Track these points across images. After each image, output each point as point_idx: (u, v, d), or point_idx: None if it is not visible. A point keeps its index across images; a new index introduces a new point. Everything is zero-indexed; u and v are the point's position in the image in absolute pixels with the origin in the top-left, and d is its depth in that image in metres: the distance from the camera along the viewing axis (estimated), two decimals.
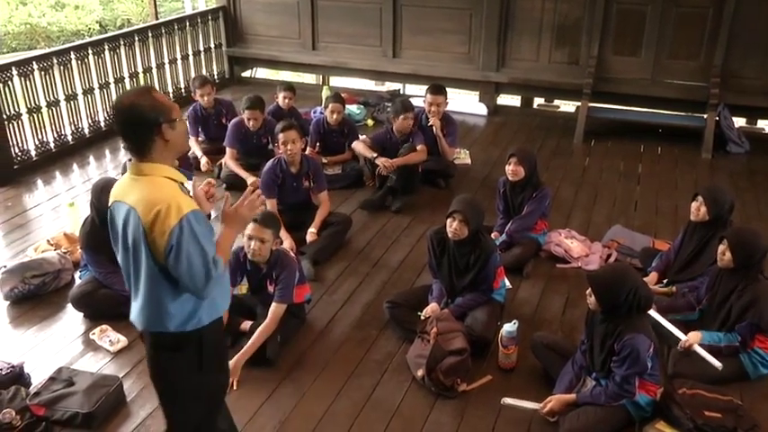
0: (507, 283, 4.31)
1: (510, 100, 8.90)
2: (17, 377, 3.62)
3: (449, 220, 3.95)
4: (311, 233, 4.92)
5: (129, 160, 2.38)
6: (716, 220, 4.15)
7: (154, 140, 2.33)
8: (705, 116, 6.97)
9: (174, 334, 2.45)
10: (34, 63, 6.34)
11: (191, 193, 2.49)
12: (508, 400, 3.44)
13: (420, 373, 3.63)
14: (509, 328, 3.70)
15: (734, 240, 3.68)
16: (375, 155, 5.69)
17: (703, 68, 7.11)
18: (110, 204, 2.44)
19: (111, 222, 2.44)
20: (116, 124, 2.39)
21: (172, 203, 2.27)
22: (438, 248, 4.09)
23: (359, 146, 5.89)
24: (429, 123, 5.89)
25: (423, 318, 3.90)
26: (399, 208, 5.58)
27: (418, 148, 5.69)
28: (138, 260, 2.36)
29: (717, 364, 3.50)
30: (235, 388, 3.59)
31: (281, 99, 6.52)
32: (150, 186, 2.32)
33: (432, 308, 3.98)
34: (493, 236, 4.72)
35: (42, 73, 6.41)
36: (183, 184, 2.42)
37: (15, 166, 6.28)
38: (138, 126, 2.32)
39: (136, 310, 2.49)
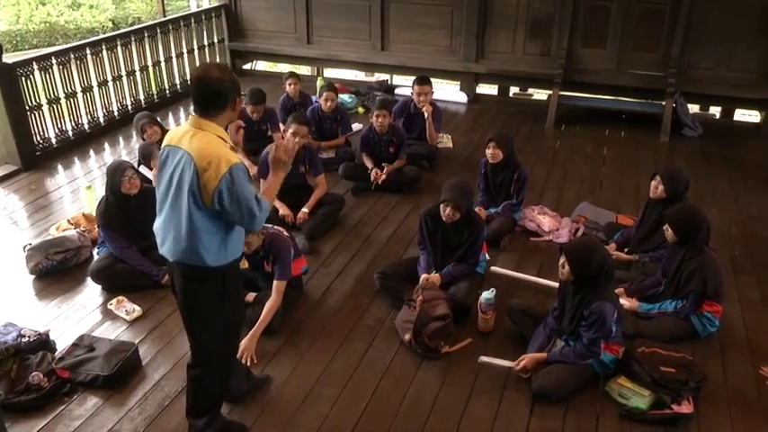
0: (486, 255, 4.31)
1: (488, 89, 8.85)
2: (44, 344, 3.62)
3: (442, 206, 3.92)
4: (303, 212, 4.89)
5: (194, 114, 2.57)
6: (672, 197, 4.16)
7: (225, 108, 2.54)
8: (663, 103, 6.99)
9: (202, 267, 2.59)
10: (53, 58, 6.25)
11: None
12: (485, 359, 3.46)
13: (407, 336, 3.65)
14: (487, 295, 3.72)
15: (673, 218, 3.73)
16: (371, 167, 5.58)
17: (662, 60, 7.13)
18: (164, 146, 2.60)
19: (164, 162, 2.59)
20: (196, 89, 2.53)
21: (222, 156, 2.45)
22: (432, 226, 4.07)
23: (364, 159, 5.74)
24: (421, 110, 5.87)
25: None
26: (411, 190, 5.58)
27: (403, 157, 5.67)
28: (181, 198, 2.51)
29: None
30: (255, 362, 3.53)
31: (288, 86, 6.43)
32: (206, 139, 2.49)
33: (435, 277, 3.97)
34: (477, 210, 4.68)
35: (60, 67, 6.32)
36: (227, 142, 2.57)
37: (38, 153, 6.21)
38: (218, 95, 2.51)
39: (168, 244, 2.62)
